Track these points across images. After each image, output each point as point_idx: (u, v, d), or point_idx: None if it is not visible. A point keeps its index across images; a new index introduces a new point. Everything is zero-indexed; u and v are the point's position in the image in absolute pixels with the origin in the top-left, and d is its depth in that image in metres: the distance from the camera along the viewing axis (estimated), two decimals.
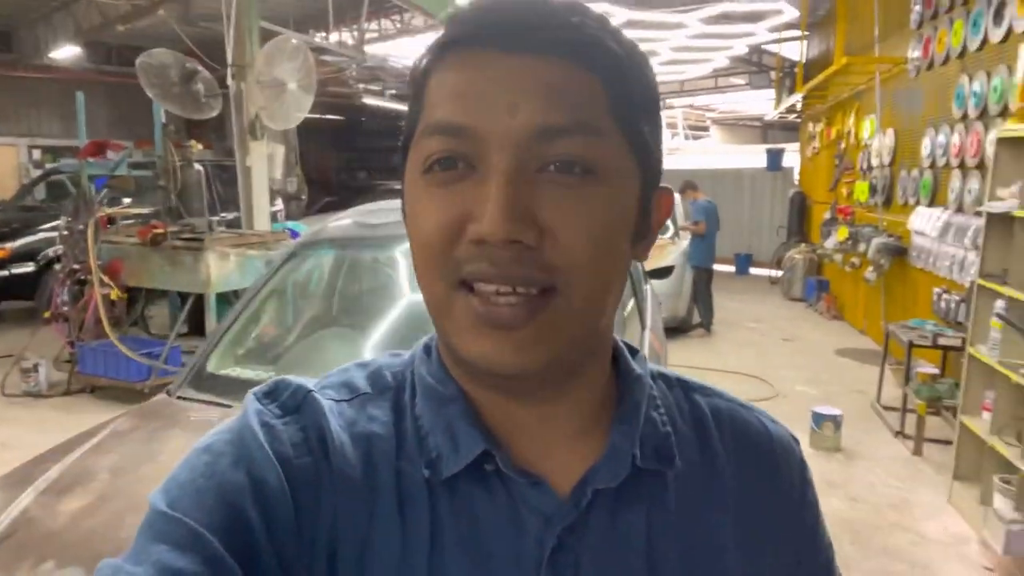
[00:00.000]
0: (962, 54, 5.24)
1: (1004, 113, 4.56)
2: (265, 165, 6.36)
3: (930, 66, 5.84)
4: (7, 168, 15.67)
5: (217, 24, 12.00)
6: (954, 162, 5.28)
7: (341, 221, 2.85)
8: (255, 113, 6.23)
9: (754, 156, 18.01)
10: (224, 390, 2.25)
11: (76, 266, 5.25)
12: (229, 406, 2.12)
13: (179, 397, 2.26)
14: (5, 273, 7.59)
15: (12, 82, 15.44)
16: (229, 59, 6.18)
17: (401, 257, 2.65)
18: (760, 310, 9.22)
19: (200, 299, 6.02)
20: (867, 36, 7.31)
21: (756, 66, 12.29)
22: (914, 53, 6.19)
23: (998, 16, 4.70)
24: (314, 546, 0.47)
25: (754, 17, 7.12)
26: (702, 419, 0.57)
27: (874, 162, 7.27)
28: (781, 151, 12.04)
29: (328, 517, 0.48)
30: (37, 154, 16.10)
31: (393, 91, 18.09)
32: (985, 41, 4.89)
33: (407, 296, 2.51)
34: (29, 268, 7.69)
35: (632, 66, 0.49)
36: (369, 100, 17.83)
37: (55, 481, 1.76)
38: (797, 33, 10.27)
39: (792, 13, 7.04)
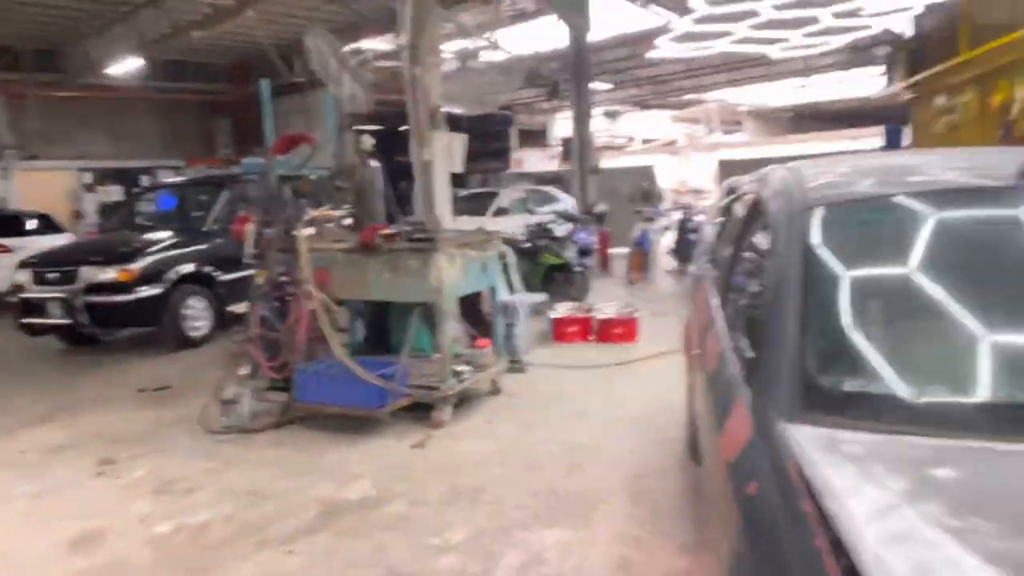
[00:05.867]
0: None
1: None
2: (445, 158, 5.69)
3: None
4: (58, 193, 14.91)
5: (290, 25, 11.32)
6: None
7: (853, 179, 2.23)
8: (434, 100, 5.58)
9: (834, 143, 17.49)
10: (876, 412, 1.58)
11: (283, 278, 4.57)
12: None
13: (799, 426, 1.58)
14: (130, 297, 6.90)
15: (58, 103, 14.68)
16: (406, 39, 5.52)
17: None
18: None
19: (380, 310, 5.34)
20: None
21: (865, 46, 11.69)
22: None
23: None
24: None
25: None
26: None
27: None
28: (900, 129, 11.36)
29: None
30: (88, 177, 15.38)
31: None
32: None
33: None
34: (157, 291, 7.00)
35: None
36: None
37: None
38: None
39: None
